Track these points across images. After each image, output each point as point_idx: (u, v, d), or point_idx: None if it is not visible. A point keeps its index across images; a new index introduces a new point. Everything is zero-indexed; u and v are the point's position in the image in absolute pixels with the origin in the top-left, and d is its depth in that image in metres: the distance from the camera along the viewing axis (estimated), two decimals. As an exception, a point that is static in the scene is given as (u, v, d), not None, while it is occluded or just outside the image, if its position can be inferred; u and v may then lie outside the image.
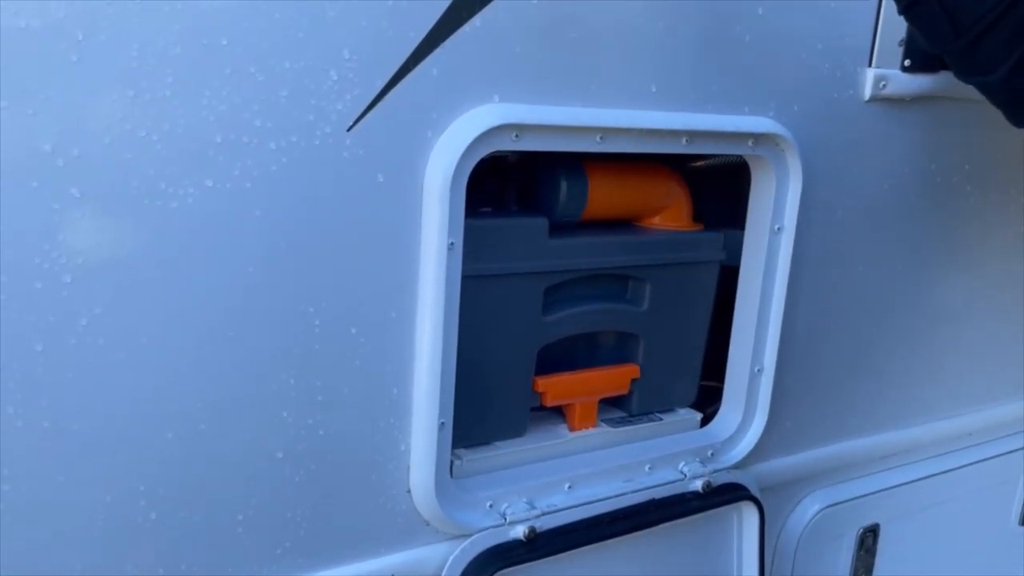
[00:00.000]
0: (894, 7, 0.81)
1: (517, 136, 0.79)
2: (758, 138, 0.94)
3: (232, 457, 0.73)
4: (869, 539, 1.28)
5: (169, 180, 0.65)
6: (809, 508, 1.20)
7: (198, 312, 0.68)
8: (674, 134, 0.89)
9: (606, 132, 0.84)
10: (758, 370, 1.05)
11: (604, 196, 0.95)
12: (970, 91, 0.91)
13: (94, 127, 0.61)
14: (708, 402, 1.11)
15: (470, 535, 0.86)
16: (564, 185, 0.92)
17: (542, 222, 0.91)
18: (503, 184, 0.96)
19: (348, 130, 0.71)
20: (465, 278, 0.80)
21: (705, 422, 1.09)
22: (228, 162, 0.67)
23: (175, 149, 0.64)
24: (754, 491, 1.06)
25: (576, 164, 0.93)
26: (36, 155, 0.60)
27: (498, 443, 0.94)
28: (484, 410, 0.91)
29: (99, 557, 0.69)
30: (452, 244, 0.78)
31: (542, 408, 0.98)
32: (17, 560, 0.65)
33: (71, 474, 0.66)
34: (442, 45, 0.73)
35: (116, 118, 0.62)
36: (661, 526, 0.98)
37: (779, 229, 1.00)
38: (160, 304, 0.67)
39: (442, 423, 0.81)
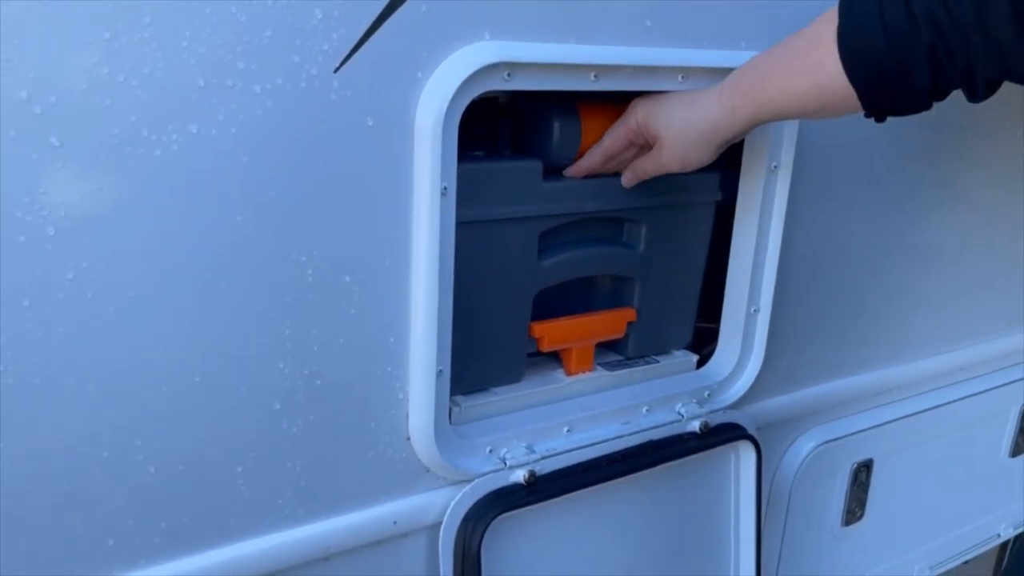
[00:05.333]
0: None
1: (509, 75, 0.77)
2: (754, 74, 0.92)
3: (229, 409, 0.72)
4: (863, 474, 1.30)
5: (152, 127, 0.62)
6: (805, 445, 1.21)
7: (188, 263, 0.67)
8: (670, 71, 0.86)
9: (601, 70, 0.82)
10: (754, 310, 1.04)
11: (598, 137, 0.93)
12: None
13: (70, 72, 0.59)
14: (703, 343, 1.11)
15: (470, 480, 0.86)
16: (557, 126, 0.90)
17: (536, 165, 0.89)
18: (495, 127, 0.93)
19: (335, 71, 0.69)
20: (459, 224, 0.79)
21: (701, 363, 1.09)
22: (212, 107, 0.64)
23: (156, 94, 0.62)
24: (751, 430, 1.06)
25: (569, 104, 0.91)
26: (11, 103, 0.57)
27: (496, 389, 0.94)
28: (481, 357, 0.91)
29: (98, 512, 0.68)
30: (445, 189, 0.76)
31: (539, 353, 0.98)
32: (13, 521, 0.65)
33: (65, 431, 0.65)
34: (430, -20, 0.70)
35: (93, 62, 0.59)
36: (659, 467, 0.98)
37: (776, 167, 0.99)
38: (148, 255, 0.65)
39: (440, 370, 0.81)
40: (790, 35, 0.79)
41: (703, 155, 0.85)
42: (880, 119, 0.77)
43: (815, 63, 0.74)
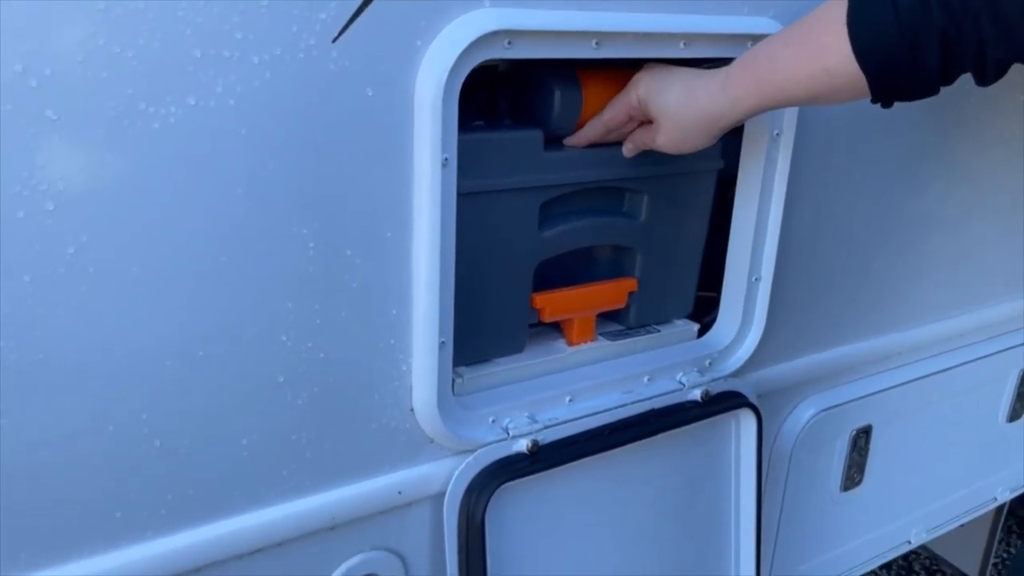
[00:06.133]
0: None
1: (510, 43, 0.76)
2: (757, 40, 0.90)
3: (233, 383, 0.72)
4: (862, 440, 1.31)
5: (149, 99, 0.61)
6: (805, 412, 1.22)
7: (188, 237, 0.66)
8: (671, 37, 0.85)
9: (602, 37, 0.81)
10: (755, 279, 1.04)
11: (599, 105, 0.92)
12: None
13: (65, 44, 0.58)
14: (704, 312, 1.12)
15: (474, 450, 0.87)
16: (558, 95, 0.89)
17: (536, 135, 0.88)
18: (494, 95, 0.92)
19: (333, 41, 0.68)
20: (459, 195, 0.78)
21: (702, 332, 1.09)
22: (210, 78, 0.63)
23: (153, 65, 0.61)
24: (752, 398, 1.07)
25: (569, 72, 0.90)
26: (7, 76, 0.56)
27: (498, 360, 0.94)
28: (483, 328, 0.91)
29: (104, 485, 0.69)
30: (446, 160, 0.75)
31: (540, 324, 0.98)
32: (20, 492, 0.65)
33: (70, 405, 0.65)
34: (428, -54, 0.69)
35: (88, 33, 0.58)
36: (661, 435, 0.99)
37: (778, 135, 0.98)
38: (148, 230, 0.64)
39: (442, 342, 0.81)
40: (796, 21, 0.78)
41: (700, 141, 0.85)
42: (887, 104, 0.76)
43: (823, 48, 0.73)
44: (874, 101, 0.76)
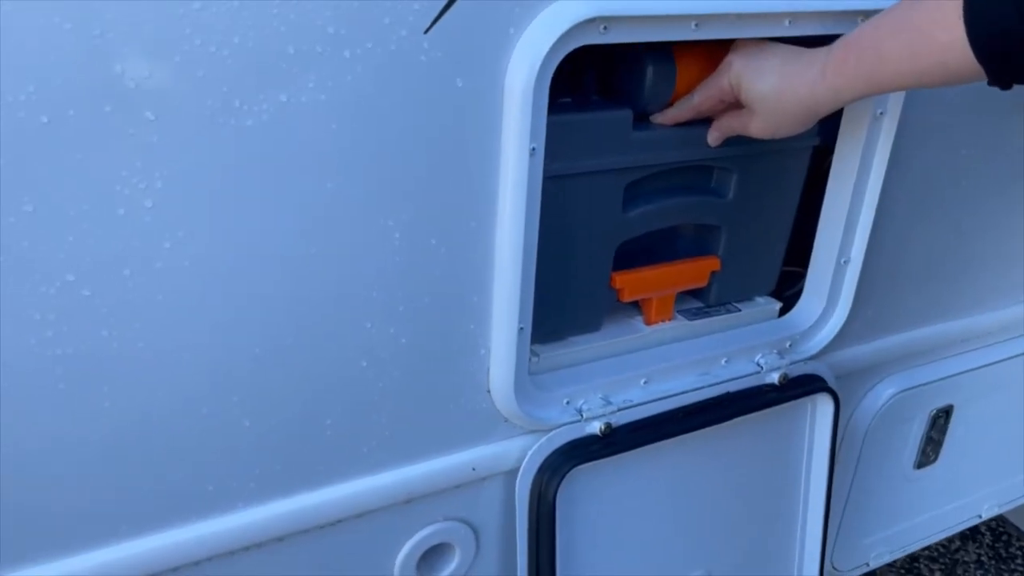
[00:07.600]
0: None
1: (605, 28, 0.73)
2: (869, 15, 0.84)
3: (319, 368, 0.74)
4: (941, 419, 1.28)
5: (243, 97, 0.61)
6: (883, 392, 1.19)
7: (279, 229, 0.67)
8: (776, 16, 0.80)
9: (702, 19, 0.76)
10: (844, 261, 1.01)
11: (693, 81, 0.88)
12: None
13: (162, 45, 0.58)
14: (786, 285, 1.09)
15: (547, 430, 0.88)
16: (651, 72, 0.85)
17: (626, 114, 0.85)
18: (580, 67, 0.89)
19: (425, 32, 0.66)
20: (545, 178, 0.77)
21: (784, 308, 1.06)
22: (302, 74, 0.63)
23: (247, 64, 0.60)
24: (830, 382, 1.05)
25: (663, 46, 0.86)
26: (106, 78, 0.57)
27: (574, 338, 0.94)
28: (561, 307, 0.90)
29: (198, 462, 0.72)
30: (534, 149, 0.74)
31: (618, 301, 0.97)
32: (123, 468, 0.69)
33: (168, 390, 0.68)
34: (525, -72, 0.66)
35: (184, 34, 0.58)
36: (735, 419, 0.98)
37: (881, 114, 0.93)
38: (241, 224, 0.65)
39: (521, 328, 0.81)
40: (899, 5, 0.72)
41: (797, 129, 0.82)
42: (1006, 87, 0.71)
43: (939, 45, 0.68)
44: (991, 84, 0.71)
